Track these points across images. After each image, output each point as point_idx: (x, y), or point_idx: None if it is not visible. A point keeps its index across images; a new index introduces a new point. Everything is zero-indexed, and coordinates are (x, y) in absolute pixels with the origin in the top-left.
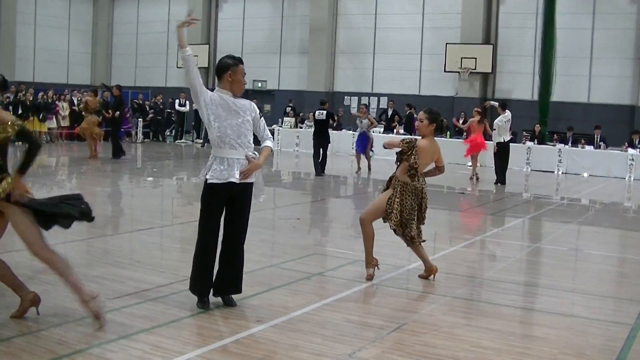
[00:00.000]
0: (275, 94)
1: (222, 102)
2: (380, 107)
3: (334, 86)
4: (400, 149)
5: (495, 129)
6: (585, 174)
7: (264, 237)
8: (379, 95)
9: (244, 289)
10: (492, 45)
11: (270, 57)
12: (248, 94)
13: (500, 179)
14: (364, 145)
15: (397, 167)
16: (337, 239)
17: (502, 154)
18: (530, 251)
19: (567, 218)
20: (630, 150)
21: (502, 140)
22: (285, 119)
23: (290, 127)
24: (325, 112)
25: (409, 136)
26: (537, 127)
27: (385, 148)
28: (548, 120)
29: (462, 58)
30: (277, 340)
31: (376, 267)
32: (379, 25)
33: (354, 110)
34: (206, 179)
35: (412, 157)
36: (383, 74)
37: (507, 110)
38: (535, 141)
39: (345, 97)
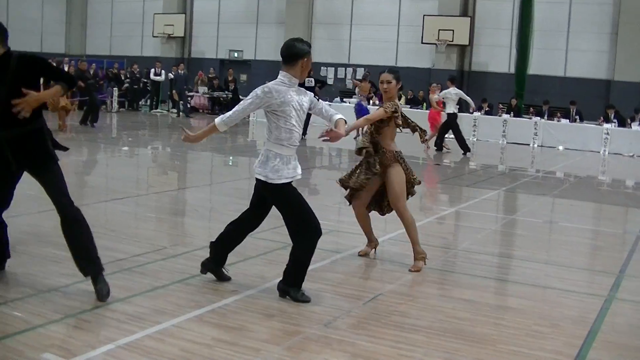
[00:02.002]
0: (251, 64)
1: (291, 100)
2: (357, 78)
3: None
4: (386, 117)
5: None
6: (561, 147)
7: (239, 207)
8: (355, 67)
9: None
10: (469, 18)
11: (247, 27)
12: (224, 64)
13: (465, 147)
14: (364, 113)
15: (371, 140)
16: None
17: (452, 125)
18: (505, 223)
19: (542, 191)
20: (606, 125)
21: (452, 112)
22: None
23: None
24: (313, 79)
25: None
26: (514, 100)
27: (370, 120)
28: (524, 94)
29: (439, 30)
30: (253, 310)
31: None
32: None
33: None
34: (275, 182)
35: (396, 120)
36: (360, 45)
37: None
38: (512, 114)
39: (322, 67)
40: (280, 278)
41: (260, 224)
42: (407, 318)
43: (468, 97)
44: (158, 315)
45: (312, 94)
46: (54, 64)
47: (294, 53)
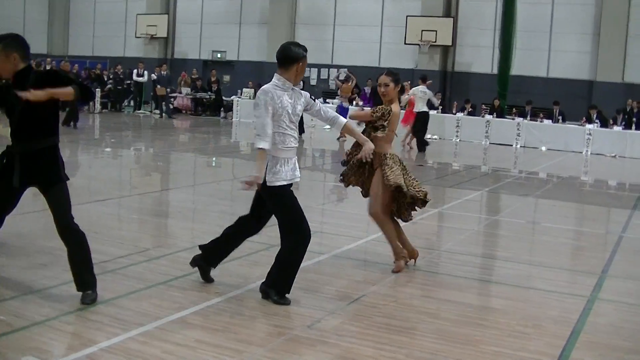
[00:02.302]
0: (234, 65)
1: (286, 104)
2: (340, 79)
3: None
4: (370, 120)
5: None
6: (544, 148)
7: (222, 208)
8: (338, 67)
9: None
10: (452, 18)
11: (230, 28)
12: (207, 65)
13: (420, 147)
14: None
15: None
16: None
17: (420, 123)
18: (488, 224)
19: (525, 191)
20: (588, 125)
21: (420, 110)
22: (245, 89)
23: (250, 98)
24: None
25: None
26: (497, 101)
27: (352, 119)
28: (507, 94)
29: (422, 30)
30: (236, 312)
31: (406, 260)
32: None
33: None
34: (273, 184)
35: (387, 124)
36: (343, 45)
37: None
38: (494, 114)
39: (305, 68)
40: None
41: (261, 228)
42: (391, 319)
43: (435, 100)
44: (141, 317)
45: (308, 94)
46: (73, 76)
47: (290, 56)
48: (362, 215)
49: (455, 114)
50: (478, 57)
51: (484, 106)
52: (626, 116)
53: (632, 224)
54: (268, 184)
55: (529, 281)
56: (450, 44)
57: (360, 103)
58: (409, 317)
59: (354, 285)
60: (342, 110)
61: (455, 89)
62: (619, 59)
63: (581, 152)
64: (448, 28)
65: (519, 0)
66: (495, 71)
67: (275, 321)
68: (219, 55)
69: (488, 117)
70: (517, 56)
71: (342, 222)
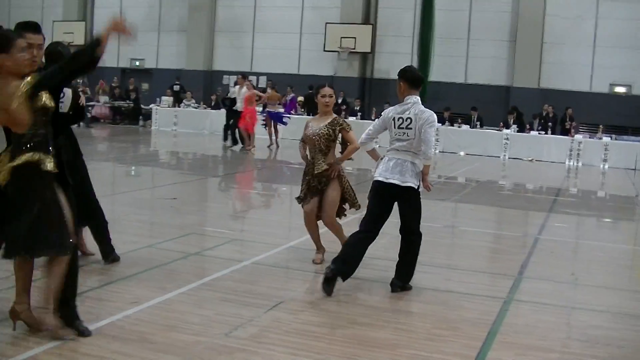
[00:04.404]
0: (153, 73)
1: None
2: (259, 86)
3: (213, 65)
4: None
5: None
6: (462, 153)
7: (141, 217)
8: (258, 75)
9: (122, 270)
10: (371, 25)
11: (149, 35)
12: (125, 73)
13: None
14: (278, 118)
15: (319, 155)
16: (215, 219)
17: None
18: None
19: (443, 195)
20: (505, 130)
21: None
22: (164, 97)
23: (169, 107)
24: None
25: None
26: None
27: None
28: (426, 100)
29: (341, 37)
30: (154, 322)
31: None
32: (258, 4)
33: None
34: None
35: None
36: (262, 53)
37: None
38: None
39: (225, 76)
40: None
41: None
42: (308, 325)
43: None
44: (56, 329)
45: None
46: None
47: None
48: (281, 222)
49: (374, 119)
50: (397, 63)
51: None
52: (542, 121)
53: (548, 226)
54: (415, 187)
55: (447, 284)
56: (369, 50)
57: (281, 110)
58: (326, 322)
59: (272, 292)
60: (276, 117)
61: (374, 96)
62: (535, 65)
63: (499, 157)
64: (367, 35)
65: (436, 8)
66: None
67: (193, 330)
68: (137, 63)
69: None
70: (436, 63)
71: (261, 230)
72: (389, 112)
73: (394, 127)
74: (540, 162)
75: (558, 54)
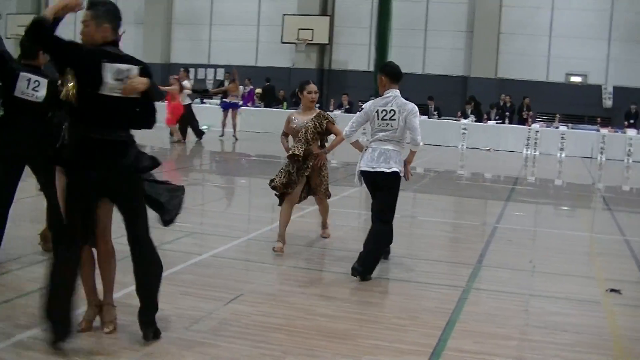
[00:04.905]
0: None
1: None
2: (217, 78)
3: (170, 57)
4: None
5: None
6: (420, 143)
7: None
8: (215, 67)
9: None
10: (329, 17)
11: None
12: None
13: (198, 133)
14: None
15: (301, 146)
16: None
17: (191, 114)
18: (366, 219)
19: (402, 186)
20: (463, 120)
21: (187, 103)
22: None
23: None
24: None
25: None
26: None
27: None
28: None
29: (299, 29)
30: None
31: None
32: None
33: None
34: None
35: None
36: (220, 45)
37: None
38: None
39: (182, 68)
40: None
41: None
42: (268, 317)
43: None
44: (12, 328)
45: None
46: None
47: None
48: (240, 214)
49: (332, 111)
50: (354, 54)
51: (360, 103)
52: (500, 110)
53: (506, 214)
54: (400, 173)
55: (406, 274)
56: (327, 42)
57: (240, 103)
58: (287, 314)
59: (232, 285)
60: (231, 105)
61: (333, 87)
62: (492, 56)
63: (457, 147)
64: (324, 26)
65: None
66: (371, 68)
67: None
68: None
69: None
70: (393, 53)
71: (220, 222)
72: (371, 105)
73: (378, 119)
74: (498, 152)
75: (515, 44)
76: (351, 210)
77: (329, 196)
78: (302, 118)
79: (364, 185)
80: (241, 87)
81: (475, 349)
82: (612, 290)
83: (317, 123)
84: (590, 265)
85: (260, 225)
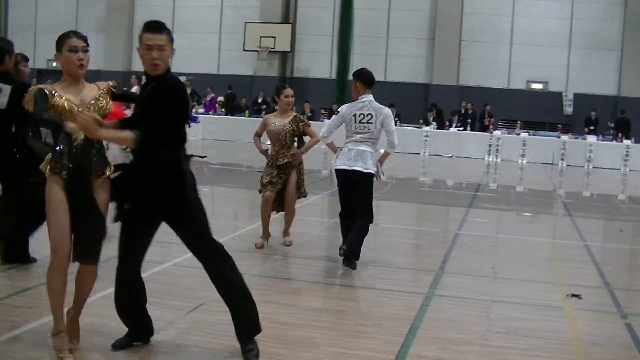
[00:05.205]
0: None
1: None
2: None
3: (132, 65)
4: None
5: None
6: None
7: None
8: (177, 75)
9: (39, 276)
10: (291, 24)
11: None
12: (42, 74)
13: None
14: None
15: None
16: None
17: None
18: (328, 226)
19: None
20: (425, 127)
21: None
22: None
23: None
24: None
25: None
26: (335, 106)
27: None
28: (345, 99)
29: (261, 37)
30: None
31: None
32: (177, 4)
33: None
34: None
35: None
36: (182, 53)
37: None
38: None
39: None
40: None
41: None
42: (230, 326)
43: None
44: None
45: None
46: None
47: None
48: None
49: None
50: (316, 62)
51: (322, 111)
52: (461, 117)
53: (468, 221)
54: (374, 174)
55: (369, 281)
56: (289, 49)
57: (201, 111)
58: None
59: (194, 294)
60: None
61: (295, 95)
62: (454, 63)
63: (419, 154)
64: (286, 34)
65: (356, 6)
66: (333, 76)
67: (114, 334)
68: (54, 64)
69: (327, 121)
70: (355, 61)
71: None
72: (347, 109)
73: (355, 122)
74: (460, 158)
75: (476, 51)
76: (313, 217)
77: (305, 195)
78: (279, 121)
79: (332, 188)
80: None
81: (437, 355)
82: (572, 295)
83: (294, 126)
84: (551, 271)
85: (222, 234)
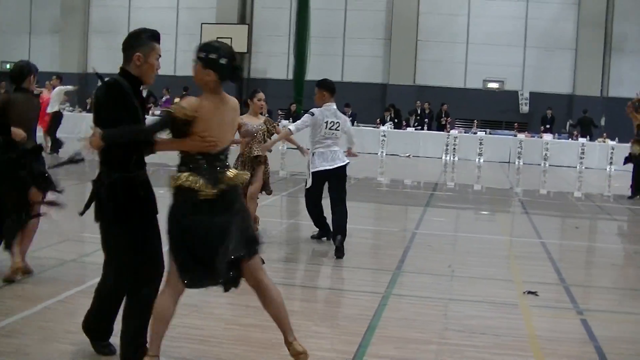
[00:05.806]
0: None
1: None
2: None
3: (88, 67)
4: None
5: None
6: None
7: None
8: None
9: None
10: (247, 25)
11: (20, 37)
12: None
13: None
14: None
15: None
16: (92, 224)
17: (56, 122)
18: (287, 227)
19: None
20: (382, 127)
21: (54, 110)
22: None
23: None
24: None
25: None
26: (293, 106)
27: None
28: (303, 99)
29: (217, 38)
30: (29, 333)
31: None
32: (133, 5)
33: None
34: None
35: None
36: None
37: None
38: (291, 120)
39: (54, 76)
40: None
41: None
42: (193, 329)
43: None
44: None
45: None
46: None
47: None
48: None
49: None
50: (273, 63)
51: (280, 111)
52: (418, 117)
53: (425, 220)
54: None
55: (327, 282)
56: (245, 50)
57: (157, 112)
58: (212, 325)
59: None
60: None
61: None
62: (410, 63)
63: (376, 154)
64: (243, 35)
65: (312, 7)
66: (290, 77)
67: (72, 339)
68: (7, 67)
69: (284, 122)
70: (312, 62)
71: None
72: (320, 115)
73: (325, 128)
74: (417, 158)
75: (432, 51)
76: (271, 219)
77: (271, 192)
78: (254, 121)
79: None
80: None
81: (395, 355)
82: (529, 292)
83: (268, 127)
84: (508, 268)
85: None
